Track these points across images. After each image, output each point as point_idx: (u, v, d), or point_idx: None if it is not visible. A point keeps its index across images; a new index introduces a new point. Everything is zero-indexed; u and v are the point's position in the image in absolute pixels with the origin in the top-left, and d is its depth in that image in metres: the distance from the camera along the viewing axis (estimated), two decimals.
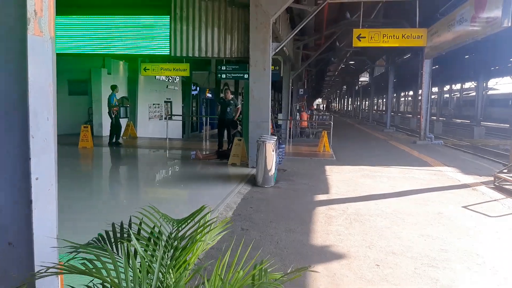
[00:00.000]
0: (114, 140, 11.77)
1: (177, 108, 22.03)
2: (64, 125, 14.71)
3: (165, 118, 13.44)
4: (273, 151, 6.76)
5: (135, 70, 16.05)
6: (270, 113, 8.28)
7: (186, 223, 1.71)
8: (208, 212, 1.76)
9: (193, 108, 24.65)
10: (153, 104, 18.88)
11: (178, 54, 8.86)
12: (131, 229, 1.66)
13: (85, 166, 9.30)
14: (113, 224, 1.70)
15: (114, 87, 11.88)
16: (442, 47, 13.13)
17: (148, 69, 14.48)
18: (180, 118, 20.92)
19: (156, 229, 1.66)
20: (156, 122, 18.85)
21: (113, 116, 11.72)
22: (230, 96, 10.59)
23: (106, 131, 14.85)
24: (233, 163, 8.61)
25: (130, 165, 9.94)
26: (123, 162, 10.31)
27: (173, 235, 1.66)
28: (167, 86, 20.48)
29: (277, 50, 8.55)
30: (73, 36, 9.10)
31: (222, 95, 10.70)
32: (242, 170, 8.07)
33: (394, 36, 11.71)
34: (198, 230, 1.62)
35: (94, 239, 1.68)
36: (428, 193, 6.46)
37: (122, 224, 1.72)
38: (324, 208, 5.39)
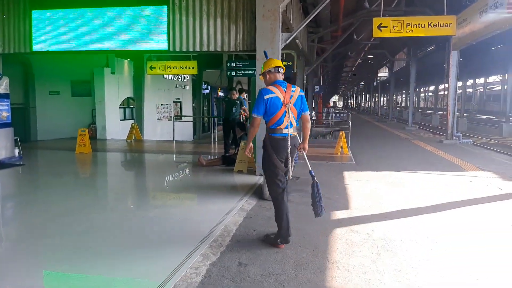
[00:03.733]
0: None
1: (187, 108, 21.25)
2: (67, 128, 14.03)
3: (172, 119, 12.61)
4: None
5: (140, 68, 15.27)
6: None
7: None
8: None
9: (204, 108, 23.82)
10: (161, 104, 18.12)
11: (177, 49, 7.93)
12: None
13: (64, 175, 7.84)
14: None
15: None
16: (473, 36, 11.86)
17: (155, 68, 13.67)
18: (190, 118, 20.09)
19: None
20: (165, 123, 18.08)
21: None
22: (236, 96, 9.70)
23: (110, 134, 14.09)
24: (239, 170, 7.65)
25: (117, 173, 8.93)
26: (111, 169, 9.30)
27: None
28: (176, 85, 19.69)
29: (287, 42, 7.51)
30: (62, 32, 8.24)
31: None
32: (248, 178, 7.09)
33: (419, 25, 10.47)
34: None
35: None
36: (471, 206, 5.37)
37: None
38: (344, 231, 4.38)
